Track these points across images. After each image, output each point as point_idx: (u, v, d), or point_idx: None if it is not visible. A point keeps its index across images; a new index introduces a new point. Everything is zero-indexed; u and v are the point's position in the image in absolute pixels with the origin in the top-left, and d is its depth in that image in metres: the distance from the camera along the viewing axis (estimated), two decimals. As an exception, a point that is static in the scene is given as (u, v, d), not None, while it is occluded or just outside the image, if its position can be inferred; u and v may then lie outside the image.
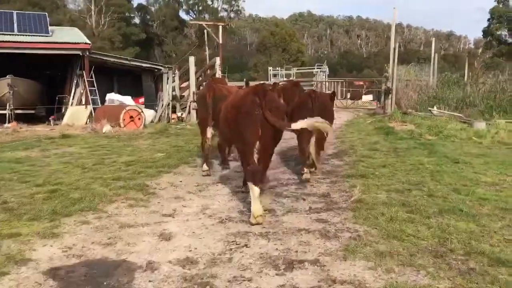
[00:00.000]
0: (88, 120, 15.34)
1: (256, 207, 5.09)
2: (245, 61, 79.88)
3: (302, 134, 7.02)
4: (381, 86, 19.63)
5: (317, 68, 33.36)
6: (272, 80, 28.72)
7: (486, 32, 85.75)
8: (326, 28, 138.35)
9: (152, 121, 16.91)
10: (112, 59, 17.80)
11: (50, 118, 17.18)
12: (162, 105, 17.15)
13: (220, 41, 20.09)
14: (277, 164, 8.56)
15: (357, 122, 16.15)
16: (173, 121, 17.18)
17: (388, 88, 16.53)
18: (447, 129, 12.31)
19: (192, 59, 17.20)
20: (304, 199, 6.10)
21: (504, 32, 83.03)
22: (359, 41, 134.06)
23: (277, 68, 35.18)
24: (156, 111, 17.45)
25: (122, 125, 13.66)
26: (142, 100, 18.61)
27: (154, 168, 7.97)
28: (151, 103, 18.16)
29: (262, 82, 17.87)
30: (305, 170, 7.26)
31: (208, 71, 18.28)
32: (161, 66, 18.22)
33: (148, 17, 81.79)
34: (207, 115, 7.55)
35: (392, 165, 8.07)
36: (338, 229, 4.83)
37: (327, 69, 33.23)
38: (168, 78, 17.46)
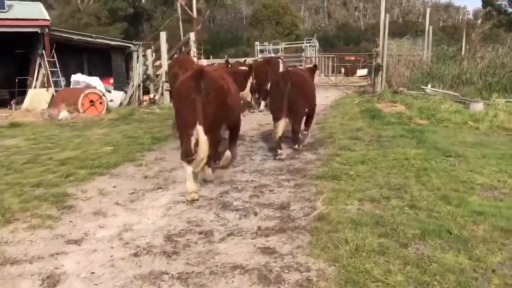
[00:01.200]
0: (48, 104, 13.97)
1: (189, 184, 5.43)
2: (240, 36, 77.60)
3: (274, 115, 7.48)
4: (372, 62, 18.24)
5: (306, 43, 31.55)
6: (259, 56, 27.18)
7: (485, 1, 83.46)
8: (323, 0, 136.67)
9: (121, 104, 15.58)
10: (76, 37, 16.19)
11: (12, 102, 15.83)
12: (133, 86, 15.78)
13: (195, 15, 18.53)
14: (239, 160, 7.31)
15: (344, 102, 14.81)
16: (145, 103, 15.84)
17: (378, 65, 15.14)
18: (440, 111, 11.02)
19: (163, 35, 15.70)
20: (255, 213, 4.89)
21: (504, 2, 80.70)
22: (356, 13, 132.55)
23: (264, 43, 33.41)
24: (126, 92, 16.09)
25: (81, 110, 12.33)
26: (111, 81, 17.19)
27: (89, 168, 6.71)
28: (121, 84, 16.73)
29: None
30: (279, 151, 7.38)
31: (183, 48, 16.81)
32: (131, 43, 16.71)
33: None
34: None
35: (372, 161, 6.83)
36: (284, 267, 3.64)
37: (317, 43, 31.46)
38: (138, 56, 16.04)
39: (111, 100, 15.62)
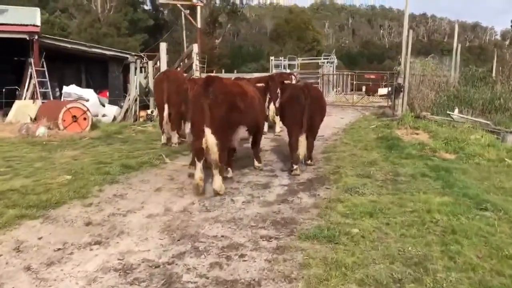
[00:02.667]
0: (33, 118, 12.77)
1: (196, 173, 6.06)
2: (262, 50, 76.66)
3: (292, 130, 7.50)
4: (393, 81, 16.65)
5: (323, 59, 29.94)
6: (274, 71, 25.80)
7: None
8: (348, 17, 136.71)
9: (114, 119, 14.33)
10: (69, 45, 15.04)
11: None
12: (129, 100, 14.53)
13: (199, 25, 17.28)
14: (216, 202, 5.84)
15: (359, 126, 13.23)
16: (141, 119, 14.57)
17: (399, 85, 13.54)
18: (470, 143, 9.36)
19: (163, 46, 14.46)
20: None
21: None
22: (381, 31, 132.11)
23: (280, 58, 31.96)
24: (121, 107, 14.86)
25: (61, 127, 11.07)
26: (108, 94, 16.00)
27: (23, 207, 5.31)
28: (116, 98, 15.48)
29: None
30: (295, 166, 7.34)
31: (186, 61, 15.55)
32: (128, 53, 15.49)
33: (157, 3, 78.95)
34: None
35: (384, 213, 5.26)
36: None
37: (335, 59, 29.80)
38: (136, 68, 14.83)
39: (104, 115, 14.41)
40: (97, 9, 60.59)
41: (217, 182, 6.05)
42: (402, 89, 13.51)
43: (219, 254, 4.24)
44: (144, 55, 18.75)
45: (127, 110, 14.55)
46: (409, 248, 4.24)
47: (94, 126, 11.89)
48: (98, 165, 7.69)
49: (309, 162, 7.97)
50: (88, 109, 11.51)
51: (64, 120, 11.11)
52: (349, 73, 26.15)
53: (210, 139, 5.75)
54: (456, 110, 12.90)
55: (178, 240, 4.56)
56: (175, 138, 9.64)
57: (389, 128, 12.13)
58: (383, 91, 27.00)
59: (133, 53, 15.54)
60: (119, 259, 4.09)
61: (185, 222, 5.05)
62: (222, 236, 4.70)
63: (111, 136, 11.10)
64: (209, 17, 66.00)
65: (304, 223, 5.03)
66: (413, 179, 6.89)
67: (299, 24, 72.19)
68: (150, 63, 15.84)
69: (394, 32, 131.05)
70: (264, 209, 5.57)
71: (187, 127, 7.45)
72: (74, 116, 11.24)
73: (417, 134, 11.09)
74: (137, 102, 14.56)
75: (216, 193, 6.03)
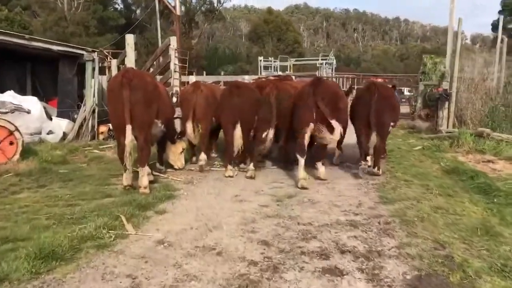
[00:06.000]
0: None
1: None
2: (239, 53, 74.13)
3: (360, 130, 7.23)
4: (418, 87, 13.40)
5: (321, 59, 26.54)
6: (263, 73, 22.36)
7: (496, 26, 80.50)
8: (322, 20, 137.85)
9: (64, 137, 10.59)
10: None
11: None
12: (85, 111, 10.85)
13: (177, 11, 13.64)
14: None
15: (397, 147, 9.63)
16: (101, 137, 10.88)
17: (445, 92, 10.25)
18: None
19: (130, 39, 10.78)
20: None
21: (516, 25, 77.21)
22: (355, 34, 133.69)
23: (270, 59, 28.52)
24: (74, 120, 11.12)
25: (-28, 155, 7.35)
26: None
27: None
28: (68, 110, 11.54)
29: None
30: (363, 163, 7.20)
31: (161, 58, 11.94)
32: (83, 49, 11.62)
33: (129, 1, 74.85)
34: None
35: None
36: None
37: (334, 61, 26.49)
38: (94, 69, 11.17)
39: (49, 132, 10.65)
40: (63, 7, 55.97)
41: None
42: (448, 98, 10.29)
43: None
44: (108, 52, 15.01)
45: (81, 125, 10.83)
46: None
47: (27, 152, 8.14)
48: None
49: (375, 170, 7.24)
50: (17, 129, 7.74)
51: (-22, 146, 7.39)
52: (351, 76, 22.80)
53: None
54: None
55: None
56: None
57: (442, 151, 8.86)
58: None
59: (89, 49, 11.74)
60: None
61: None
62: None
63: (49, 169, 7.39)
64: (185, 17, 62.61)
65: None
66: None
67: (279, 25, 69.21)
68: (114, 62, 12.17)
69: (368, 36, 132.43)
70: None
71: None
72: (-5, 140, 7.52)
73: (491, 162, 7.82)
74: (96, 114, 10.87)
75: None
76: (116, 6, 71.96)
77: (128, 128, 5.77)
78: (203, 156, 7.62)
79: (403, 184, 6.55)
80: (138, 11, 74.46)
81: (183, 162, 7.80)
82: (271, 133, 7.03)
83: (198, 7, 61.44)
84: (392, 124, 7.52)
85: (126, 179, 6.13)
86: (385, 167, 7.86)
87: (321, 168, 6.91)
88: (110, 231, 4.44)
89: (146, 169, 6.16)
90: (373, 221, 4.95)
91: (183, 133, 7.64)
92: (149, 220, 4.90)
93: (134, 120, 5.86)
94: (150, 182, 6.44)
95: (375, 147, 7.05)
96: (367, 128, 6.99)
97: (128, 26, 65.85)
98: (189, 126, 7.53)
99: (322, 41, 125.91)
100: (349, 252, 4.10)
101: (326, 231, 4.66)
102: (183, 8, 58.60)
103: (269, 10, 78.86)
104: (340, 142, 7.69)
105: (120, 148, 6.08)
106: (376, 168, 7.22)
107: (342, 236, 4.50)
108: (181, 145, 7.63)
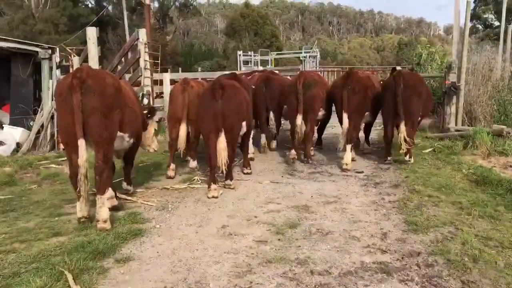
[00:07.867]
0: None
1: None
2: (215, 48, 72.78)
3: (388, 119, 7.34)
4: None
5: (304, 52, 25.21)
6: (243, 68, 21.01)
7: (475, 15, 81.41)
8: (297, 14, 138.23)
9: (18, 149, 9.10)
10: None
11: None
12: (42, 117, 9.35)
13: (147, 1, 12.19)
14: None
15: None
16: (61, 146, 9.42)
17: (454, 85, 9.08)
18: None
19: (92, 32, 9.31)
20: None
21: (491, 15, 77.79)
22: (330, 27, 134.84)
23: (249, 53, 27.13)
24: (30, 128, 9.62)
25: None
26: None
27: None
28: (22, 116, 9.97)
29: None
30: (389, 158, 7.40)
31: (129, 54, 10.51)
32: (39, 45, 10.01)
33: (100, -4, 72.14)
34: None
35: None
36: None
37: (318, 53, 25.23)
38: (52, 68, 9.68)
39: (0, 143, 9.14)
40: (30, 4, 53.34)
41: None
42: (456, 91, 9.15)
43: None
44: (72, 49, 13.42)
45: (39, 133, 9.33)
46: None
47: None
48: None
49: (406, 158, 7.21)
50: None
51: None
52: (336, 69, 21.55)
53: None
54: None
55: None
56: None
57: (457, 154, 7.71)
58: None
59: (45, 45, 10.20)
60: None
61: None
62: None
63: (-13, 194, 5.98)
64: (159, 12, 60.74)
65: None
66: None
67: (256, 18, 67.74)
68: (76, 59, 10.67)
69: (343, 29, 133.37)
70: None
71: None
72: None
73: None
74: (55, 120, 9.38)
75: None
76: (87, 2, 69.53)
77: (81, 143, 4.42)
78: (193, 164, 7.38)
79: (428, 201, 5.33)
80: (110, 8, 72.07)
81: (157, 144, 6.67)
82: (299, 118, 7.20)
83: (172, 2, 59.53)
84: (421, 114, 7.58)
85: (80, 209, 4.75)
86: (398, 176, 6.65)
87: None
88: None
89: (107, 195, 4.79)
90: (409, 263, 3.72)
91: (152, 112, 6.32)
92: (106, 277, 3.54)
93: (89, 134, 4.51)
94: (114, 208, 5.09)
95: (404, 138, 6.85)
96: (392, 117, 7.19)
97: (99, 23, 63.60)
98: (183, 128, 6.63)
99: (298, 35, 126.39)
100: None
101: (351, 283, 3.40)
102: (156, 4, 56.96)
103: (246, 4, 77.26)
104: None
105: (72, 170, 4.70)
106: (407, 156, 7.19)
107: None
108: (152, 127, 6.35)
